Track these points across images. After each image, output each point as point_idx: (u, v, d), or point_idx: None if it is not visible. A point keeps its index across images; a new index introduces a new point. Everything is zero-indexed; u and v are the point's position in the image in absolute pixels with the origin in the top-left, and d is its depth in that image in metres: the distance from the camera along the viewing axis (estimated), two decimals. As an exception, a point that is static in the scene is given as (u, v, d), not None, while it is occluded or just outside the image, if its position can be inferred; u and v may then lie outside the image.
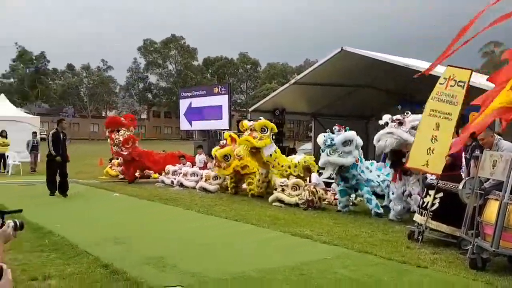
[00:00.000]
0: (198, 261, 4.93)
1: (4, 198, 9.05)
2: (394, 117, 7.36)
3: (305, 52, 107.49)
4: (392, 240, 6.04)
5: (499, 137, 5.41)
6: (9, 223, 2.59)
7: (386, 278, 4.44)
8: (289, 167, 9.51)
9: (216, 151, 10.48)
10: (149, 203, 9.35)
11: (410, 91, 13.50)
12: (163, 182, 12.59)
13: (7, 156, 15.96)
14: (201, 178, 11.48)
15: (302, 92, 14.76)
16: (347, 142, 7.95)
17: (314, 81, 13.97)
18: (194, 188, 11.43)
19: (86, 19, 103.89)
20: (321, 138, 8.20)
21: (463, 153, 6.74)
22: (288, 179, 9.15)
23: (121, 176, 13.65)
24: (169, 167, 12.70)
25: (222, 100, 16.41)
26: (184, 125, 18.82)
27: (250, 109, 17.11)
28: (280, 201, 8.93)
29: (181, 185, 11.86)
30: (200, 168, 12.36)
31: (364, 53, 11.76)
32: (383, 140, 7.20)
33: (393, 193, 7.60)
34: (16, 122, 19.03)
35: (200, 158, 13.57)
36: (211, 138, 17.58)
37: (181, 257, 5.09)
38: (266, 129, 9.50)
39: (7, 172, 15.44)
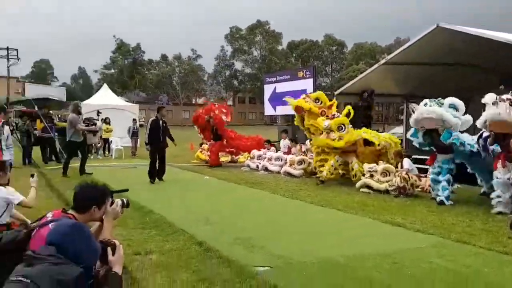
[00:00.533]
0: (285, 244, 5.01)
1: (109, 179, 9.97)
2: (504, 96, 6.51)
3: (395, 31, 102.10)
4: (492, 229, 5.58)
5: None
6: (118, 201, 2.87)
7: (485, 269, 4.15)
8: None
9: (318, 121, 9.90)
10: (237, 186, 9.67)
11: (507, 69, 12.17)
12: (248, 166, 12.93)
13: (111, 141, 17.56)
14: (286, 162, 11.58)
15: (393, 73, 14.04)
16: (456, 107, 7.41)
17: (406, 61, 13.19)
18: (278, 172, 11.57)
19: (175, 8, 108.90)
20: (426, 100, 7.65)
21: None
22: (377, 164, 8.85)
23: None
24: (254, 152, 13.00)
25: (306, 84, 16.22)
26: (268, 110, 19.00)
27: (336, 92, 16.72)
28: (369, 187, 8.68)
29: (266, 169, 12.07)
30: (284, 153, 12.46)
31: (461, 30, 10.80)
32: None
33: (497, 179, 6.70)
34: (117, 109, 20.81)
35: (285, 143, 13.66)
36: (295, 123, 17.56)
37: (269, 239, 5.22)
38: (343, 127, 9.20)
39: (111, 155, 17.01)
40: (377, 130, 16.33)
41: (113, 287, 2.09)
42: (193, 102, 74.78)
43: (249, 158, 13.22)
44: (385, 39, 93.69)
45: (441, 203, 7.25)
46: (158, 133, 10.10)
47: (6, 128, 7.43)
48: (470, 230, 5.60)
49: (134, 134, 17.72)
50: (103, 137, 17.12)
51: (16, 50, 19.23)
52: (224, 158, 14.54)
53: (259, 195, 8.58)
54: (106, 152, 17.55)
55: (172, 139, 10.91)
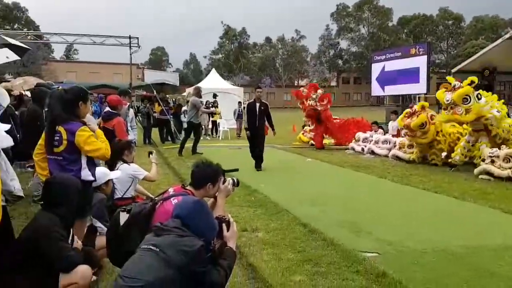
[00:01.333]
0: (394, 231, 4.81)
1: (218, 159, 10.51)
2: None
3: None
4: None
5: None
6: (229, 180, 3.03)
7: None
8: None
9: (402, 119, 9.78)
10: (341, 169, 9.51)
11: None
12: (353, 149, 12.59)
13: (218, 123, 18.49)
14: (394, 145, 11.03)
15: (520, 48, 12.48)
16: None
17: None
18: (386, 156, 11.09)
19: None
20: None
21: None
22: (500, 149, 7.98)
23: (312, 142, 14.24)
24: (360, 134, 12.60)
25: (419, 62, 15.14)
26: (376, 90, 18.19)
27: (452, 70, 15.39)
28: (489, 173, 7.88)
29: (372, 152, 11.64)
30: (393, 136, 11.86)
31: None
32: None
33: None
34: (224, 93, 21.75)
35: (394, 125, 12.99)
36: (405, 103, 16.59)
37: (377, 224, 5.06)
38: (468, 99, 8.17)
39: (218, 136, 17.94)
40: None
41: (229, 260, 2.24)
42: (296, 84, 74.91)
43: (354, 140, 12.88)
44: (509, 11, 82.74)
45: None
46: (254, 117, 9.33)
47: (131, 110, 8.21)
48: None
49: (239, 116, 18.40)
50: (211, 119, 18.13)
51: (137, 38, 20.95)
52: (327, 140, 14.32)
53: (365, 179, 8.33)
54: (214, 133, 18.55)
55: (272, 127, 9.81)
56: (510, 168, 7.64)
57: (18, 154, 5.98)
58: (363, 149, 12.09)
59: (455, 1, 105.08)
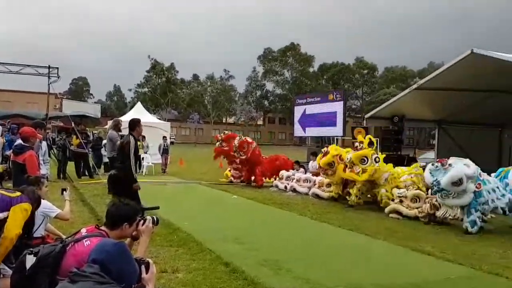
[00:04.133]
0: (312, 268, 4.98)
1: (141, 195, 10.18)
2: None
3: (427, 56, 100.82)
4: (529, 263, 5.36)
5: None
6: (149, 218, 2.97)
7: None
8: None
9: (320, 159, 10.40)
10: (265, 207, 9.68)
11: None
12: (277, 186, 12.94)
13: (143, 158, 17.97)
14: (314, 184, 11.52)
15: (425, 98, 13.89)
16: (456, 182, 6.94)
17: (440, 86, 13.03)
18: (306, 194, 11.52)
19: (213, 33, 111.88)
20: (428, 177, 7.45)
21: None
22: (407, 190, 8.69)
23: (231, 179, 14.32)
24: (283, 173, 13.02)
25: (336, 107, 16.22)
26: (298, 131, 19.04)
27: (366, 116, 16.62)
28: (398, 212, 8.52)
29: (294, 190, 12.04)
30: (313, 175, 12.41)
31: (497, 56, 10.62)
32: None
33: None
34: (150, 127, 21.32)
35: (313, 164, 13.60)
36: (324, 145, 17.51)
37: (295, 262, 5.19)
38: (366, 160, 9.12)
39: (142, 172, 17.38)
40: (408, 155, 16.14)
41: None
42: (224, 121, 75.80)
43: (277, 178, 13.24)
44: (417, 63, 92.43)
45: (466, 231, 7.06)
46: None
47: (44, 143, 7.76)
48: (503, 262, 5.40)
49: (164, 151, 18.09)
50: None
51: (57, 68, 19.99)
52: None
53: (287, 217, 8.56)
54: (138, 169, 17.95)
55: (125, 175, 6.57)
56: (417, 208, 8.31)
57: None
58: (286, 187, 12.45)
59: (370, 52, 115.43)
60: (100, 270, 1.96)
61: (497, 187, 7.42)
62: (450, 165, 7.14)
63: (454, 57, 11.76)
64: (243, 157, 13.20)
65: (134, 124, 6.78)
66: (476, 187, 7.09)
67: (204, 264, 4.92)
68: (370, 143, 9.87)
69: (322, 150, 10.82)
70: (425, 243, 6.28)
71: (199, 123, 66.36)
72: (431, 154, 18.39)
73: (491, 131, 14.76)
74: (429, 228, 7.56)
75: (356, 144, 9.67)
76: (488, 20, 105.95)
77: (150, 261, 2.39)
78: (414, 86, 14.12)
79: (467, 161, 7.27)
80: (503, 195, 7.35)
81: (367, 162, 9.14)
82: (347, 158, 9.38)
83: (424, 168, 10.11)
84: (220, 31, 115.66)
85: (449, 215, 7.47)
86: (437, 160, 7.50)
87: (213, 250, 5.51)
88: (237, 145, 13.17)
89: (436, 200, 8.04)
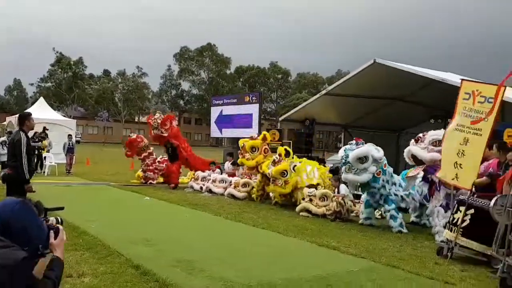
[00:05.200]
0: (225, 267, 5.02)
1: (42, 197, 9.45)
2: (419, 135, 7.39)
3: (337, 64, 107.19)
4: (420, 255, 5.96)
5: None
6: (53, 219, 2.76)
7: (413, 293, 4.40)
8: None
9: (268, 167, 9.92)
10: (178, 208, 9.53)
11: (444, 105, 13.29)
12: (192, 187, 12.81)
13: (45, 157, 16.63)
14: (230, 184, 11.62)
15: (333, 103, 14.75)
16: (362, 159, 7.59)
17: (346, 93, 13.94)
18: (222, 194, 11.58)
19: (123, 24, 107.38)
20: (340, 152, 8.12)
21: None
22: (317, 189, 9.16)
23: (151, 182, 13.92)
24: (199, 173, 12.93)
25: (252, 109, 16.55)
26: (214, 132, 19.08)
27: (280, 118, 17.19)
28: (308, 211, 8.93)
29: (210, 191, 12.03)
30: (229, 175, 12.52)
31: (397, 66, 11.66)
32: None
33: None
34: (54, 124, 19.84)
35: (229, 165, 13.73)
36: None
37: (209, 261, 5.20)
38: (286, 172, 9.60)
39: (44, 172, 16.08)
40: (317, 157, 17.01)
41: (56, 271, 2.01)
42: (136, 120, 73.07)
43: (192, 179, 13.11)
44: (326, 71, 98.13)
45: (399, 232, 7.55)
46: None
47: None
48: (400, 255, 5.93)
49: (69, 151, 16.91)
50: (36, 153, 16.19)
51: None
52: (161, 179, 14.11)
53: (202, 217, 8.52)
54: (39, 169, 16.57)
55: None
56: (325, 206, 8.79)
57: None
58: (201, 188, 12.38)
59: (284, 58, 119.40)
60: (2, 229, 1.78)
61: (400, 185, 8.24)
62: (362, 143, 7.87)
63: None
64: (165, 134, 12.90)
65: (24, 118, 6.28)
66: (377, 173, 7.74)
67: (112, 267, 4.70)
68: (287, 154, 10.25)
69: (273, 157, 10.15)
70: (331, 239, 6.68)
71: (109, 121, 63.25)
72: (338, 156, 19.55)
73: (390, 135, 16.13)
74: (335, 225, 8.04)
75: (274, 157, 9.91)
76: (399, 32, 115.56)
77: (60, 227, 2.24)
78: (323, 92, 14.96)
79: (379, 148, 7.91)
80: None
81: (287, 175, 9.56)
82: (268, 174, 9.73)
83: (331, 170, 10.89)
84: (136, 27, 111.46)
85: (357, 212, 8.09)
86: (355, 138, 8.11)
87: (122, 253, 5.30)
88: (158, 122, 12.86)
89: (342, 198, 8.61)
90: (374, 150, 7.72)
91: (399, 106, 14.86)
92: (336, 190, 9.62)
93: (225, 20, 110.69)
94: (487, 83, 6.11)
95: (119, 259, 5.06)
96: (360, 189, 8.36)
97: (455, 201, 6.12)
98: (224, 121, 17.93)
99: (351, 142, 8.13)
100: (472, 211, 5.66)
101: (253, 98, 16.97)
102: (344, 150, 7.98)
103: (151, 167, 14.04)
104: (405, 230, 7.61)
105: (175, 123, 13.39)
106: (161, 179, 13.96)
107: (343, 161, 7.86)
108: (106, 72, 71.08)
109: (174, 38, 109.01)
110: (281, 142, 15.50)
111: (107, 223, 7.45)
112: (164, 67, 74.81)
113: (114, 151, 33.78)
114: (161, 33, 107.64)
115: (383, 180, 7.87)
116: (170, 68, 73.75)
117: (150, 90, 73.40)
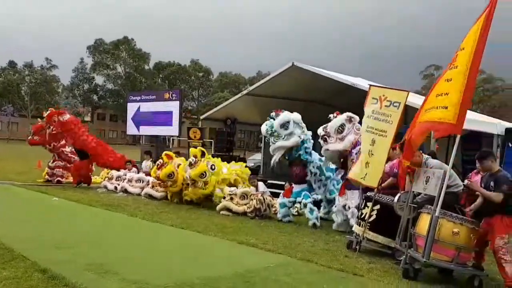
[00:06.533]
0: (140, 269, 4.86)
1: None
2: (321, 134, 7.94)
3: (258, 65, 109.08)
4: (332, 249, 6.30)
5: (427, 156, 5.82)
6: None
7: (325, 285, 4.64)
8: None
9: (155, 172, 10.14)
10: (90, 209, 9.04)
11: (356, 109, 14.15)
12: (105, 187, 12.19)
13: None
14: (147, 184, 11.28)
15: (254, 103, 15.00)
16: (285, 124, 8.09)
17: (267, 93, 14.25)
18: (139, 195, 11.19)
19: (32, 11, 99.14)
20: (263, 128, 8.35)
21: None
22: (237, 187, 9.26)
23: (59, 180, 12.97)
24: (113, 172, 12.35)
25: (173, 106, 16.25)
26: (131, 129, 18.39)
27: (201, 117, 17.08)
28: (228, 209, 8.99)
29: (126, 191, 11.56)
30: (147, 174, 12.13)
31: (312, 69, 12.19)
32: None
33: (335, 206, 7.91)
34: None
35: (147, 164, 13.31)
36: (159, 144, 17.30)
37: (123, 264, 5.00)
38: (204, 174, 9.54)
39: None
40: (239, 156, 17.19)
41: None
42: (44, 115, 67.85)
43: (106, 178, 12.49)
44: (249, 71, 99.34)
45: (314, 225, 8.00)
46: None
47: None
48: (313, 249, 6.22)
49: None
50: None
51: None
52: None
53: (116, 218, 8.17)
54: None
55: None
56: (245, 204, 8.91)
57: None
58: (116, 188, 11.85)
59: (205, 56, 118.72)
60: None
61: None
62: (282, 111, 8.31)
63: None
64: (54, 132, 12.22)
65: None
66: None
67: (17, 272, 4.33)
68: (203, 155, 10.16)
69: (157, 162, 10.41)
70: (250, 236, 6.79)
71: (14, 116, 57.96)
72: (258, 156, 19.90)
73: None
74: (254, 222, 8.20)
75: (190, 159, 9.79)
76: (321, 37, 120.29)
77: None
78: (245, 91, 15.17)
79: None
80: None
81: (205, 176, 9.52)
82: (187, 177, 9.61)
83: (251, 169, 11.11)
84: (47, 16, 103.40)
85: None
86: (274, 110, 8.37)
87: (27, 257, 4.90)
88: (45, 119, 12.30)
89: (261, 196, 8.82)
90: (293, 114, 8.28)
91: (318, 109, 15.51)
92: (255, 188, 9.81)
93: (145, 14, 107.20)
94: (393, 88, 6.63)
95: (24, 263, 4.68)
96: (287, 162, 8.59)
97: (363, 198, 6.59)
98: (142, 118, 17.40)
99: (271, 114, 8.35)
100: (378, 206, 6.12)
101: (174, 95, 16.68)
102: (266, 124, 8.26)
103: (61, 163, 13.05)
104: (318, 224, 8.04)
105: (66, 116, 12.48)
106: (71, 178, 13.06)
107: (269, 132, 8.14)
108: (12, 64, 65.13)
109: (91, 30, 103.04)
110: (202, 141, 15.46)
111: (11, 225, 6.84)
112: (77, 60, 70.46)
113: (20, 148, 31.05)
114: (77, 23, 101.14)
115: (305, 148, 8.29)
116: (83, 61, 69.68)
117: (60, 84, 68.68)
